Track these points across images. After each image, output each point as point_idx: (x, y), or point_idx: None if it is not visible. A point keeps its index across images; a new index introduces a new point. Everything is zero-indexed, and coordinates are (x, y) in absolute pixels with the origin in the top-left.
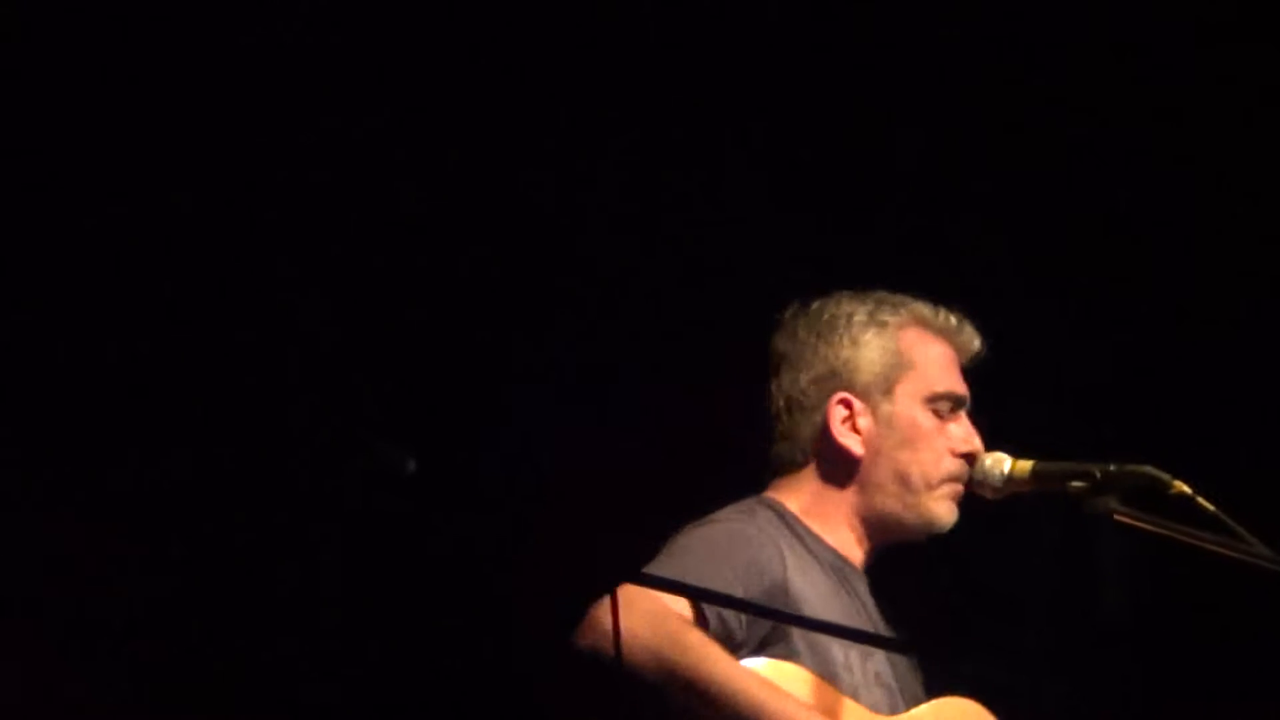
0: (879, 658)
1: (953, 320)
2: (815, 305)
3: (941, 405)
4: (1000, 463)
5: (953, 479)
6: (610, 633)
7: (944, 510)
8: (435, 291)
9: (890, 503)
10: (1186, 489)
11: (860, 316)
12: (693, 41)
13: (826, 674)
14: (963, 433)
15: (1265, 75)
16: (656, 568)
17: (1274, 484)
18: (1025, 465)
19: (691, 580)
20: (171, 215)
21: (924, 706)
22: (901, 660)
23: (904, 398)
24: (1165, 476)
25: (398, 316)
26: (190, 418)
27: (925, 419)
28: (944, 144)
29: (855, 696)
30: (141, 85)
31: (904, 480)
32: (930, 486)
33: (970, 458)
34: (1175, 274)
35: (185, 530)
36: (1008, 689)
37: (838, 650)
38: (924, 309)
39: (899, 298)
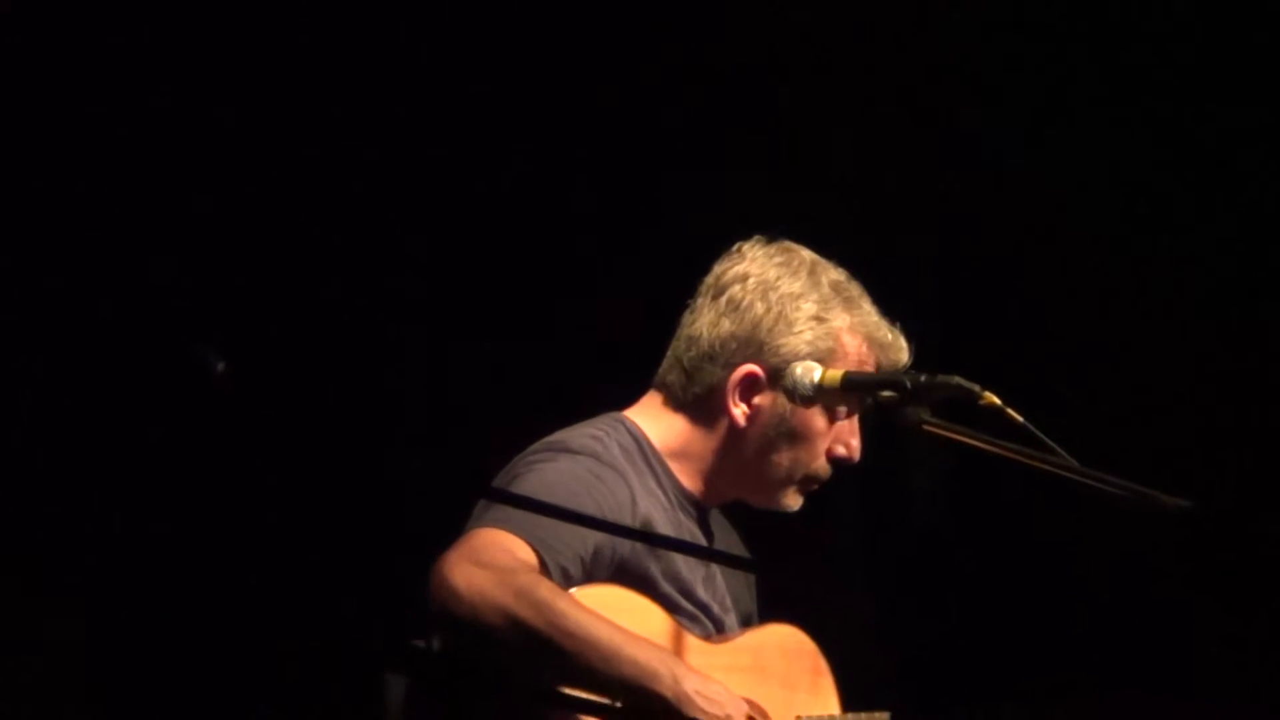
0: (721, 593)
1: (891, 336)
2: (776, 258)
3: (840, 411)
4: (810, 371)
5: (814, 479)
6: (458, 591)
7: (792, 502)
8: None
9: (747, 480)
10: (996, 400)
11: (809, 304)
12: None
13: (669, 606)
14: (847, 438)
15: None
16: (502, 512)
17: (1081, 396)
18: (835, 374)
19: (540, 531)
20: None
21: (748, 632)
22: (745, 600)
23: None
24: (975, 387)
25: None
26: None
27: (819, 423)
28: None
29: (691, 628)
30: None
31: (770, 468)
32: (791, 482)
33: (844, 462)
34: (992, 191)
35: None
36: (831, 609)
37: (675, 593)
38: (872, 318)
39: (853, 291)
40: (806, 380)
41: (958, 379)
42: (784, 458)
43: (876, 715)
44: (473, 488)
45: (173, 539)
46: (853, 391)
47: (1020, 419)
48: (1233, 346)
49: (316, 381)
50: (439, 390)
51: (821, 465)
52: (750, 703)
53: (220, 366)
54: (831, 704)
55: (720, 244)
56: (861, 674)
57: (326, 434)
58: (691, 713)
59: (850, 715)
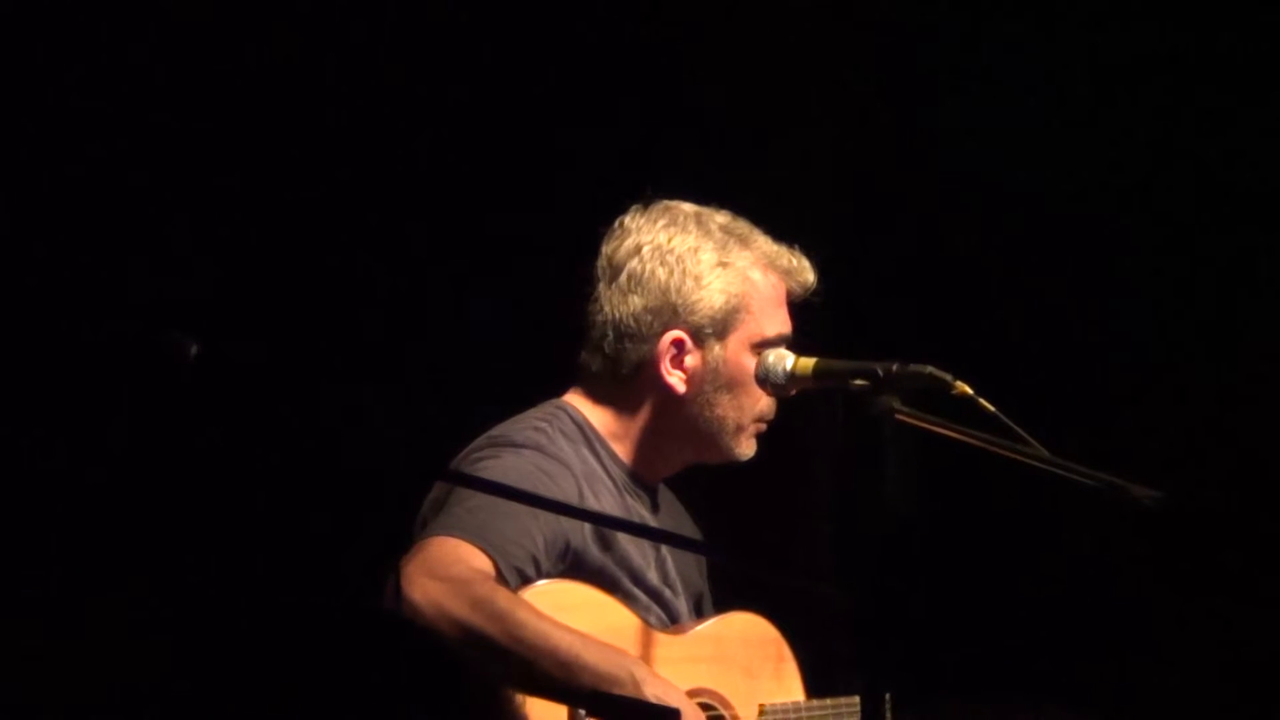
0: (672, 577)
1: (794, 260)
2: (660, 220)
3: (769, 346)
4: (783, 359)
5: (762, 419)
6: (416, 606)
7: (748, 448)
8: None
9: (699, 439)
10: (968, 389)
11: (707, 254)
12: None
13: (624, 596)
14: None
15: None
16: (452, 517)
17: (1052, 385)
18: (808, 363)
19: (491, 536)
20: None
21: (711, 620)
22: (695, 579)
23: (736, 343)
24: (947, 376)
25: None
26: None
27: (751, 364)
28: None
29: (648, 617)
30: None
31: (719, 422)
32: (742, 429)
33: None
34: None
35: None
36: (794, 597)
37: (628, 581)
38: (769, 247)
39: (743, 228)
40: (779, 368)
41: (930, 369)
42: (728, 408)
43: (843, 701)
44: (430, 476)
45: (144, 524)
46: (824, 380)
47: (992, 409)
48: (1205, 337)
49: (289, 367)
50: (411, 375)
51: (766, 404)
52: (712, 693)
53: (194, 351)
54: (795, 690)
55: None
56: (827, 659)
57: (298, 422)
58: None
59: (815, 701)
